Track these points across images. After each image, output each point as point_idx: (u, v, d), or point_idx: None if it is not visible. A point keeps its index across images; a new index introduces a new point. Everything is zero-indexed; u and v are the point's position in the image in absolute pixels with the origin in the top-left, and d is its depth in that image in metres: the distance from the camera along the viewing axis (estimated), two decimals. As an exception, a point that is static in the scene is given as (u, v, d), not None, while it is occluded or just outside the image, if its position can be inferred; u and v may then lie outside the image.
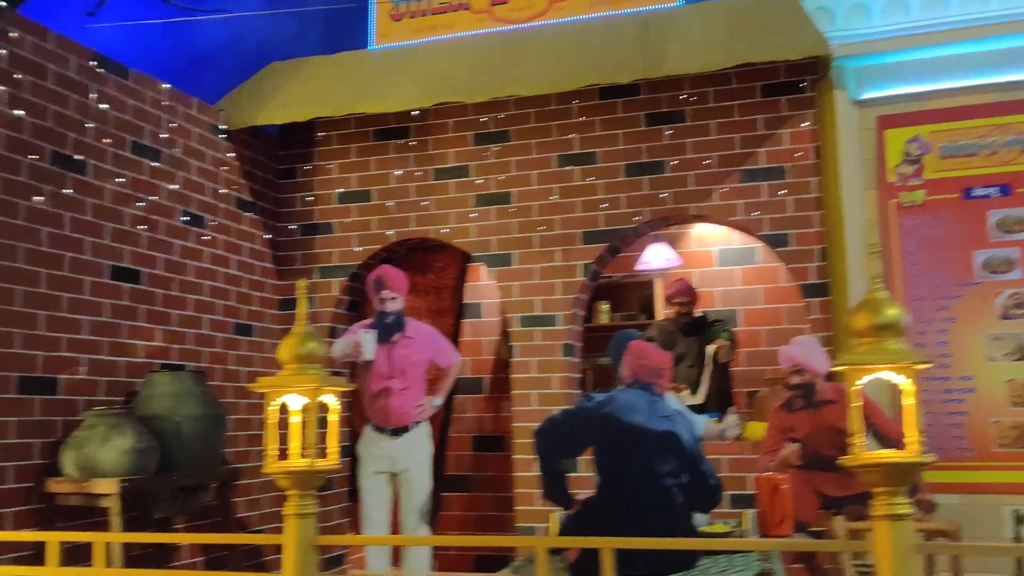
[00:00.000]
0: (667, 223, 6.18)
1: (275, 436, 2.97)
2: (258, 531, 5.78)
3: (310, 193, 6.39)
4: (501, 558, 6.60)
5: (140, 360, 5.01)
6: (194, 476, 4.68)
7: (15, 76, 4.35)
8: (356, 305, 6.46)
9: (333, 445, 3.01)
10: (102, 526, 4.44)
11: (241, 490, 5.48)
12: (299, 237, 6.38)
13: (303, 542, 2.85)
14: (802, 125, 5.49)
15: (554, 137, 5.95)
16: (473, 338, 7.22)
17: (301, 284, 3.13)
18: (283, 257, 6.37)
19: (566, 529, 3.61)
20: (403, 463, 4.83)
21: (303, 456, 2.94)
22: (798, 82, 5.52)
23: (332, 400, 3.01)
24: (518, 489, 5.71)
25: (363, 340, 4.89)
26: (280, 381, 2.96)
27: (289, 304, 6.29)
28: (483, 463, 7.15)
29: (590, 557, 3.30)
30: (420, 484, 4.83)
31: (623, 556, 2.87)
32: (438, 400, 5.02)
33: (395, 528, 5.14)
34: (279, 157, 6.45)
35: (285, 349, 3.00)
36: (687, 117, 5.73)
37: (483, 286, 7.22)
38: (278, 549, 5.90)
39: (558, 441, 3.60)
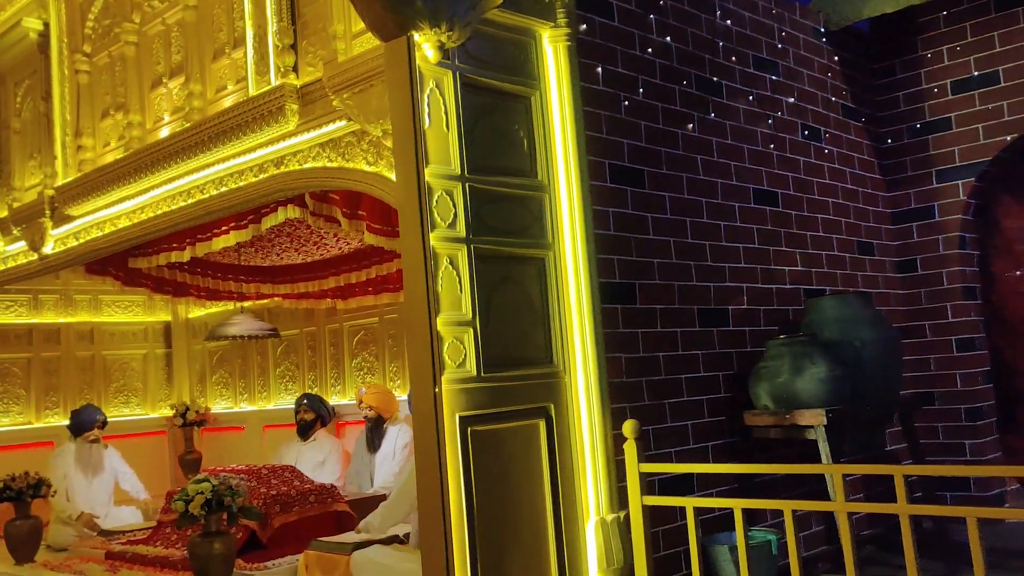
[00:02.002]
0: None
1: None
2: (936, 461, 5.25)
3: (915, 89, 5.63)
4: None
5: (786, 287, 4.73)
6: (883, 405, 4.26)
7: (659, 2, 4.25)
8: (984, 209, 5.58)
9: None
10: (800, 459, 4.23)
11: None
12: (907, 141, 5.66)
13: None
14: None
15: None
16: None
17: None
18: (890, 166, 5.71)
19: None
20: None
21: None
22: None
23: None
24: None
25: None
26: None
27: (903, 217, 5.64)
28: None
29: None
30: None
31: None
32: None
33: None
34: (873, 55, 5.78)
35: None
36: None
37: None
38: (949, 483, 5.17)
39: None
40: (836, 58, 5.40)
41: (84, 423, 7.17)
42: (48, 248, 6.29)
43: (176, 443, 9.08)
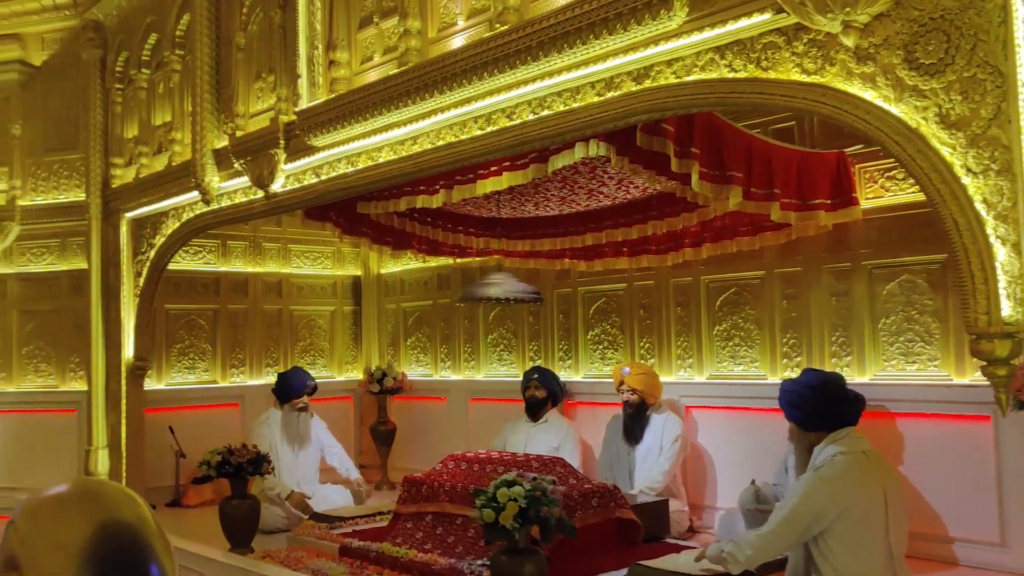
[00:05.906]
0: None
1: None
2: None
3: None
4: None
5: None
6: None
7: None
8: None
9: None
10: None
11: None
12: None
13: None
14: None
15: None
16: None
17: None
18: None
19: None
20: None
21: None
22: None
23: None
24: None
25: None
26: None
27: None
28: None
29: None
30: None
31: None
32: None
33: None
34: None
35: None
36: None
37: None
38: None
39: None
40: None
41: (293, 388, 6.26)
42: (277, 185, 5.30)
43: (365, 411, 8.18)
